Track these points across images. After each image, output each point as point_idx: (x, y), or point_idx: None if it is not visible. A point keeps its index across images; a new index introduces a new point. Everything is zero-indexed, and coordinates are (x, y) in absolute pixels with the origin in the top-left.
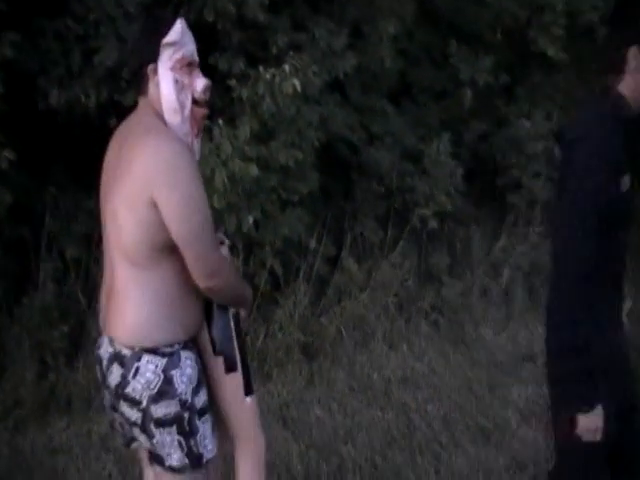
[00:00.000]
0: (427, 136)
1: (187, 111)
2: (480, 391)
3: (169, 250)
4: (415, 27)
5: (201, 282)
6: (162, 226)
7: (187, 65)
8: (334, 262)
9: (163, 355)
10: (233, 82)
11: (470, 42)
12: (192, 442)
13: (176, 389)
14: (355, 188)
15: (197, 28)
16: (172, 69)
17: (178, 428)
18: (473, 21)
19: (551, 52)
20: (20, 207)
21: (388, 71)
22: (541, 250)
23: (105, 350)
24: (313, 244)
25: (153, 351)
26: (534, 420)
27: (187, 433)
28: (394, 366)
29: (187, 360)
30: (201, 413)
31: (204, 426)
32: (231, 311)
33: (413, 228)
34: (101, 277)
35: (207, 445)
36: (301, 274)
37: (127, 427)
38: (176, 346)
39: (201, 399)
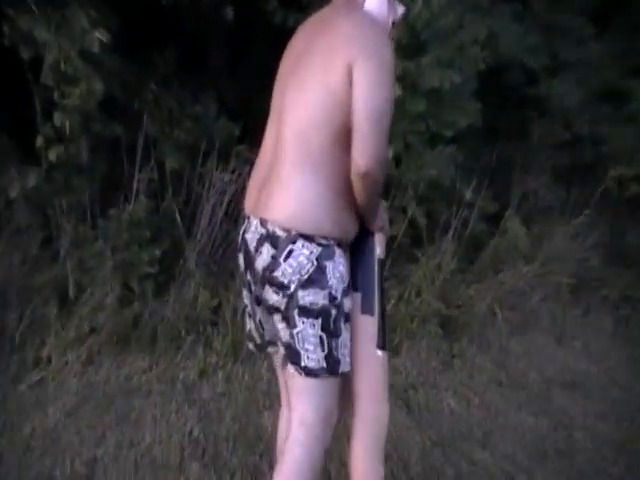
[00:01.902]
0: (636, 72)
1: (389, 27)
2: None
3: (347, 140)
4: None
5: (363, 162)
6: (349, 106)
7: None
8: (494, 221)
9: (319, 244)
10: None
11: None
12: (334, 344)
13: (327, 280)
14: (530, 130)
15: None
16: None
17: (323, 323)
18: None
19: None
20: (114, 101)
21: None
22: None
23: (255, 232)
24: (469, 194)
25: (309, 238)
26: None
27: (331, 332)
28: (560, 365)
29: (340, 258)
30: (347, 318)
31: (346, 333)
32: (377, 254)
33: (606, 192)
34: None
35: (345, 355)
36: (451, 230)
37: (269, 322)
38: (331, 241)
39: (348, 303)
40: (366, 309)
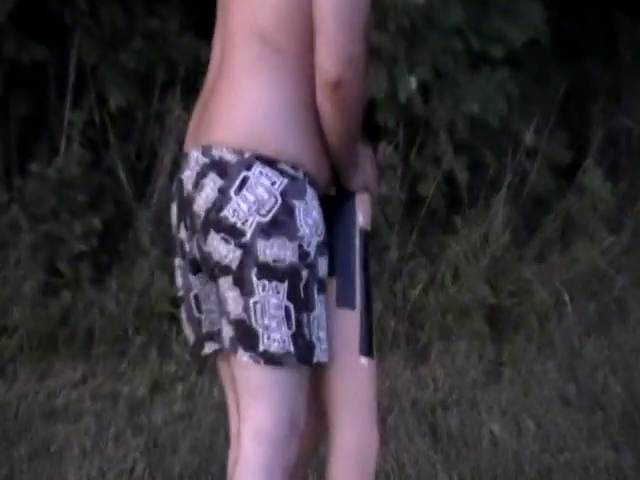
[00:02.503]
0: None
1: None
2: None
3: (312, 38)
4: None
5: (330, 67)
6: None
7: None
8: (567, 174)
9: (283, 174)
10: None
11: None
12: (305, 319)
13: (298, 228)
14: (621, 42)
15: None
16: None
17: (290, 288)
18: None
19: None
20: (34, 13)
21: None
22: None
23: (195, 166)
24: (529, 137)
25: (270, 163)
26: None
27: (301, 302)
28: None
29: (313, 201)
30: (321, 286)
31: (321, 308)
32: (359, 223)
33: None
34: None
35: (321, 338)
36: (503, 188)
37: (210, 297)
38: (301, 173)
39: (324, 266)
40: (343, 300)
